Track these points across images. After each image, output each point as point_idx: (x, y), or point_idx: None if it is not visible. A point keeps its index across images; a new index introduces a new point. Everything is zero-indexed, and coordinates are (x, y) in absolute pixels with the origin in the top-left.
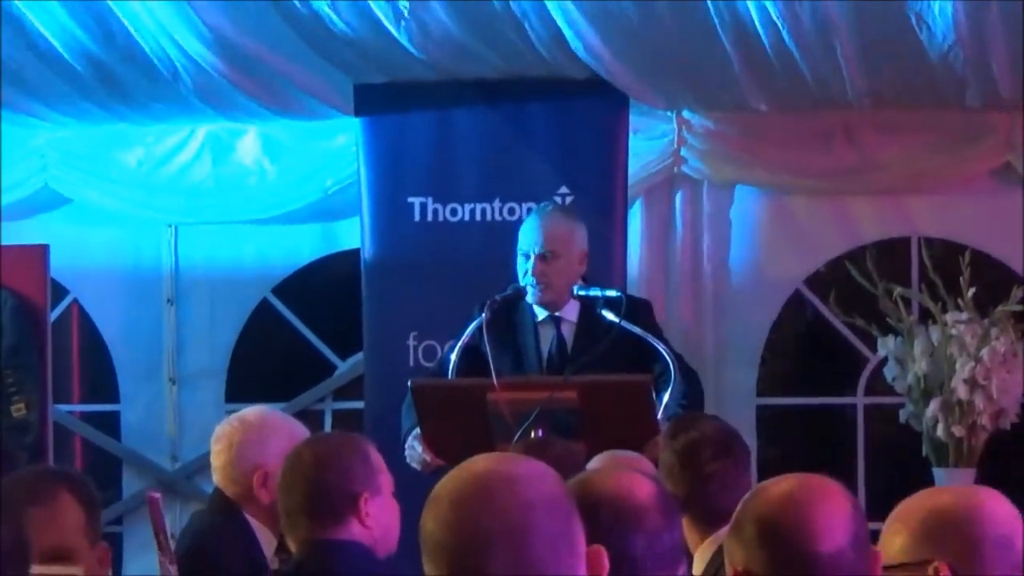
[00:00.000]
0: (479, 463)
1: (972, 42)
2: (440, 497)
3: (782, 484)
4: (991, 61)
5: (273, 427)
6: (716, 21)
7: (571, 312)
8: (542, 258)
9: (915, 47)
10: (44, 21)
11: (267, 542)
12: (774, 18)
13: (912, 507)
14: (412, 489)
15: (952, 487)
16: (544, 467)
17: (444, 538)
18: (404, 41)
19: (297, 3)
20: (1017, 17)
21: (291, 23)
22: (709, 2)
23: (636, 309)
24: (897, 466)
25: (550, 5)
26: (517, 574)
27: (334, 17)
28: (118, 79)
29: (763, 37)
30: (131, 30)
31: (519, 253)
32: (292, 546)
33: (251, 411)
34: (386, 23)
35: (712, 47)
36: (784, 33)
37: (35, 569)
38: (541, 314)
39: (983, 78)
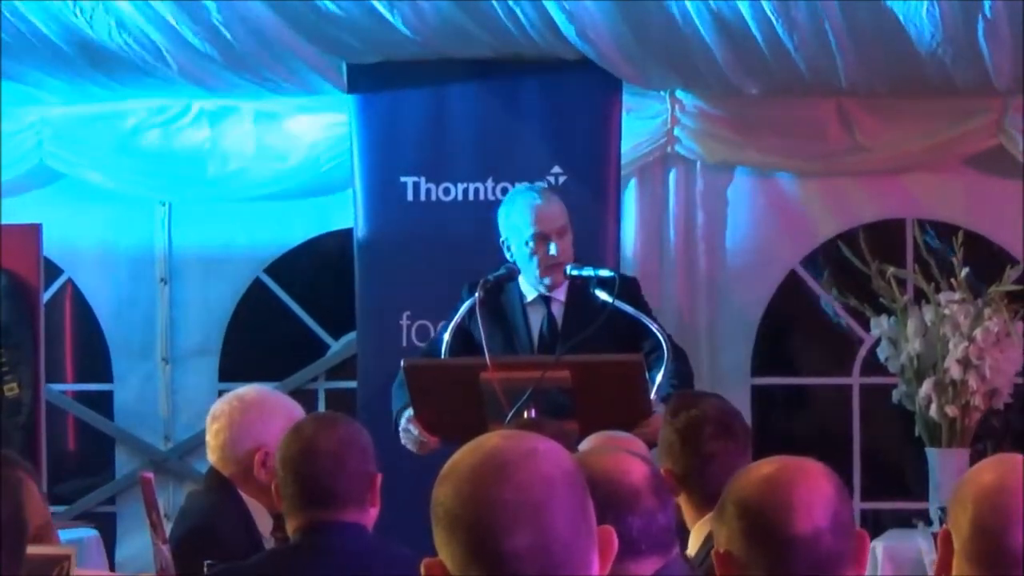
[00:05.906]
0: (493, 438)
1: (961, 41)
2: (456, 472)
3: (764, 466)
4: (980, 59)
5: (273, 406)
6: (698, 16)
7: (560, 292)
8: (560, 235)
9: (904, 45)
10: (29, 7)
11: (262, 521)
12: (768, 13)
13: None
14: (406, 470)
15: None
16: (555, 443)
17: (463, 513)
18: (397, 22)
19: None
20: (1004, 16)
21: (283, 6)
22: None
23: (625, 287)
24: (891, 446)
25: None
26: (538, 550)
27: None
28: (106, 65)
29: (756, 33)
30: (113, 24)
31: (522, 239)
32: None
33: (249, 390)
34: (378, 5)
35: (701, 43)
36: (778, 28)
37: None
38: (531, 295)
39: (972, 74)
